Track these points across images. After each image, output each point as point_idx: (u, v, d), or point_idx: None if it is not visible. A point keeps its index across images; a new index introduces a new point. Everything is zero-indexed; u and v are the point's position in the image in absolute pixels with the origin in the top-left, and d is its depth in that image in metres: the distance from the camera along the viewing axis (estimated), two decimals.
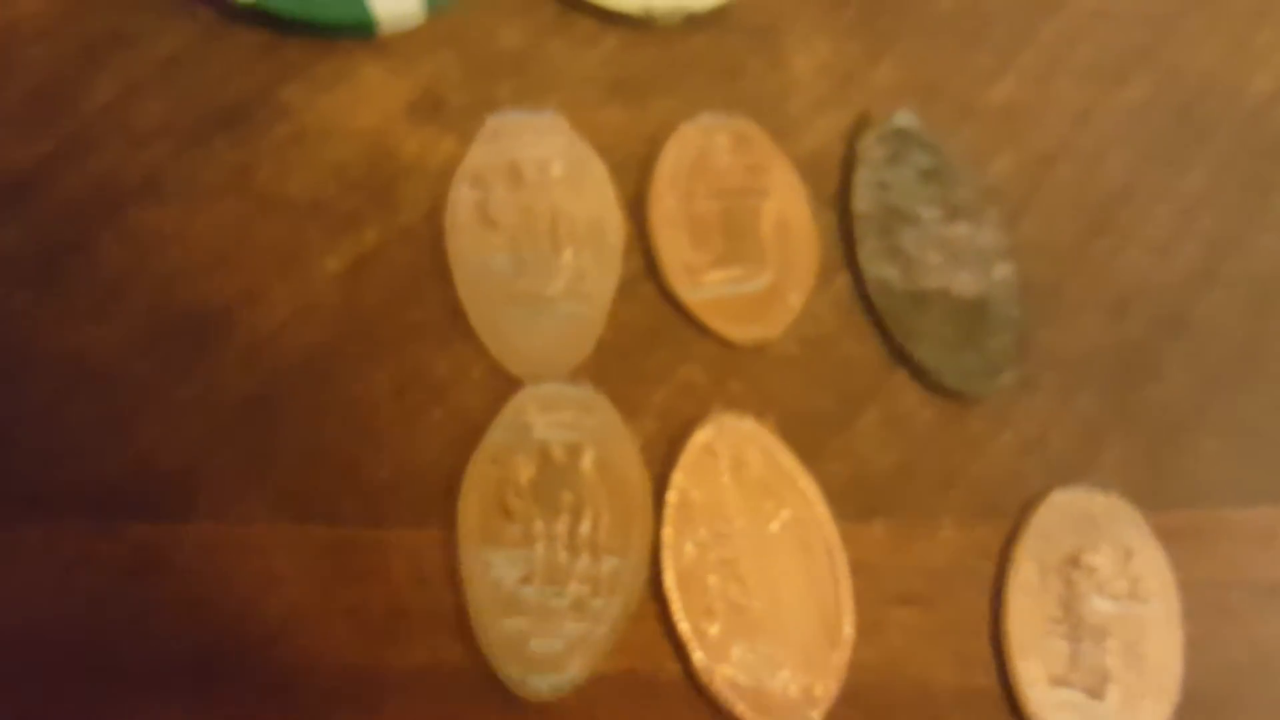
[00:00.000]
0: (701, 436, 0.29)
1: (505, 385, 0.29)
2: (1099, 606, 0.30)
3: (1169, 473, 0.31)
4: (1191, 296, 0.33)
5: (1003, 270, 0.32)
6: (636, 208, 0.32)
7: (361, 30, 0.32)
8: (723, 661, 0.27)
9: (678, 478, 0.29)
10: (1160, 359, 0.32)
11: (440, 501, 0.29)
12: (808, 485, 0.29)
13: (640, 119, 0.33)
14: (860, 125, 0.34)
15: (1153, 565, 0.30)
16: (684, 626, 0.28)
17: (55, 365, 0.29)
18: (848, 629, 0.28)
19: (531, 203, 0.31)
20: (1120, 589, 0.30)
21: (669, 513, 0.29)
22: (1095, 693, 0.28)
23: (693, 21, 0.34)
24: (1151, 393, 0.32)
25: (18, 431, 0.28)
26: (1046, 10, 0.36)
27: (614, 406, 0.29)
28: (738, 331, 0.31)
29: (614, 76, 0.33)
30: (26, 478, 0.28)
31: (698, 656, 0.28)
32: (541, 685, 0.27)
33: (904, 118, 0.33)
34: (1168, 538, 0.30)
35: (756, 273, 0.31)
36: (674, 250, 0.31)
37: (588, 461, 0.28)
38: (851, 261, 0.32)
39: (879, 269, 0.32)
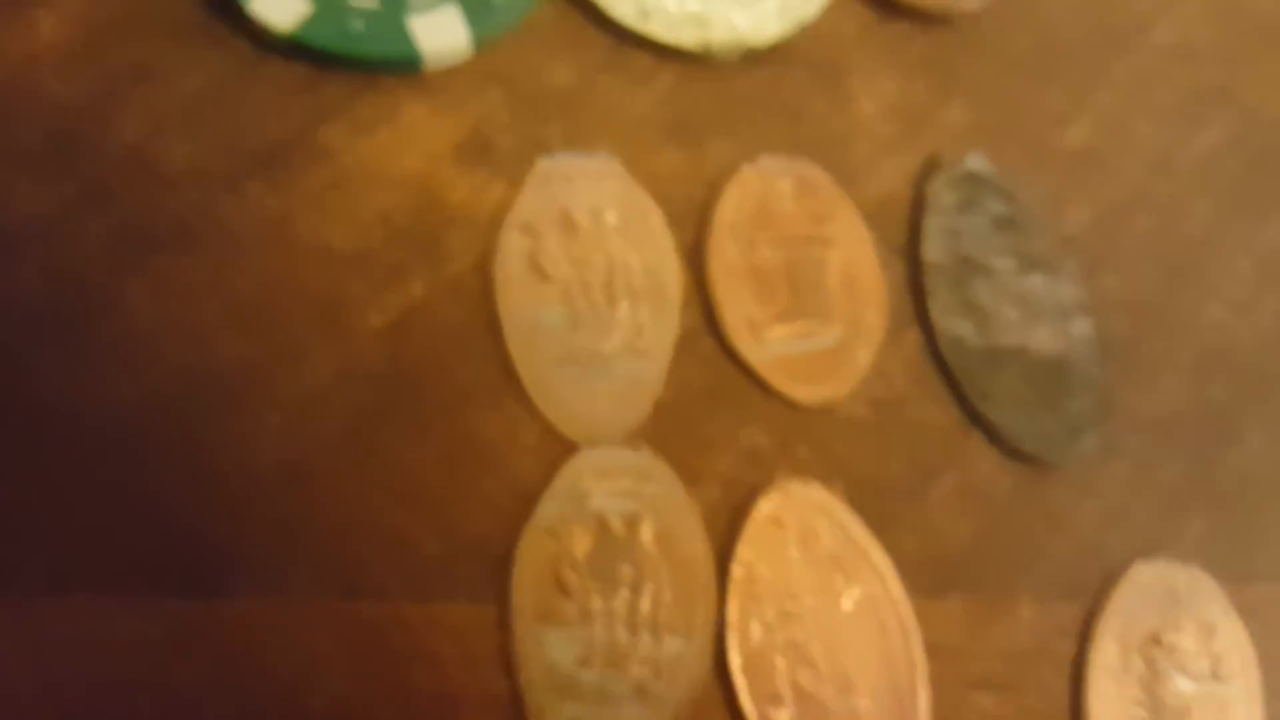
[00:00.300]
0: (767, 506, 0.28)
1: (559, 450, 0.28)
2: (1181, 687, 0.28)
3: (1252, 544, 0.30)
4: (1274, 356, 0.31)
5: (1081, 326, 0.30)
6: (695, 257, 0.30)
7: (406, 66, 0.30)
8: None
9: (743, 551, 0.27)
10: (1242, 423, 0.31)
11: (492, 576, 0.27)
12: (880, 559, 0.27)
13: (698, 162, 0.31)
14: (929, 169, 0.32)
15: (1234, 642, 0.29)
16: (751, 714, 0.26)
17: (77, 425, 0.27)
18: (924, 717, 0.26)
19: (585, 253, 0.29)
20: (1202, 668, 0.29)
21: (734, 588, 0.27)
22: None
23: (752, 58, 0.32)
24: (1233, 458, 0.31)
25: (39, 498, 0.26)
26: (1120, 47, 0.34)
27: (674, 473, 0.27)
28: (804, 392, 0.29)
29: (670, 116, 0.31)
30: (49, 549, 0.26)
31: None
32: None
33: (976, 161, 0.32)
34: (1249, 613, 0.29)
35: (823, 328, 0.29)
36: (736, 304, 0.29)
37: (647, 533, 0.27)
38: (922, 315, 0.30)
39: (952, 324, 0.30)
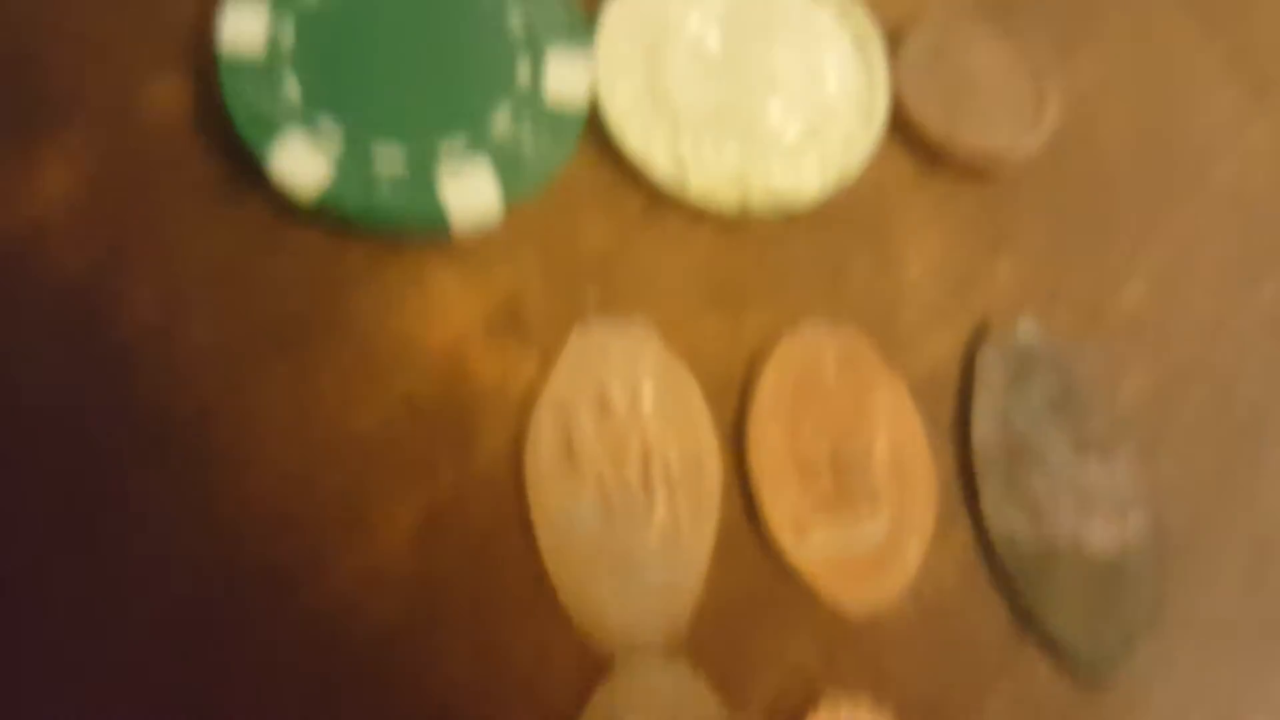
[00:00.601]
0: None
1: (594, 668, 0.26)
2: None
3: None
4: None
5: (1138, 519, 0.29)
6: (735, 437, 0.29)
7: (435, 231, 0.29)
8: None
9: None
10: None
11: None
12: None
13: (737, 330, 0.30)
14: (979, 337, 0.30)
15: None
16: None
17: (89, 637, 0.25)
18: None
19: (621, 437, 0.28)
20: None
21: None
22: None
23: (792, 217, 0.31)
24: None
25: (49, 705, 0.24)
26: (1175, 199, 0.33)
27: (715, 697, 0.25)
28: (851, 596, 0.28)
29: (708, 281, 0.30)
30: None
31: None
32: None
33: (1027, 331, 0.30)
34: None
35: (870, 519, 0.28)
36: (778, 495, 0.28)
37: None
38: (973, 505, 0.29)
39: (1005, 519, 0.28)
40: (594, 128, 0.31)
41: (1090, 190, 0.32)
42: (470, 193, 0.29)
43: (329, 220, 0.29)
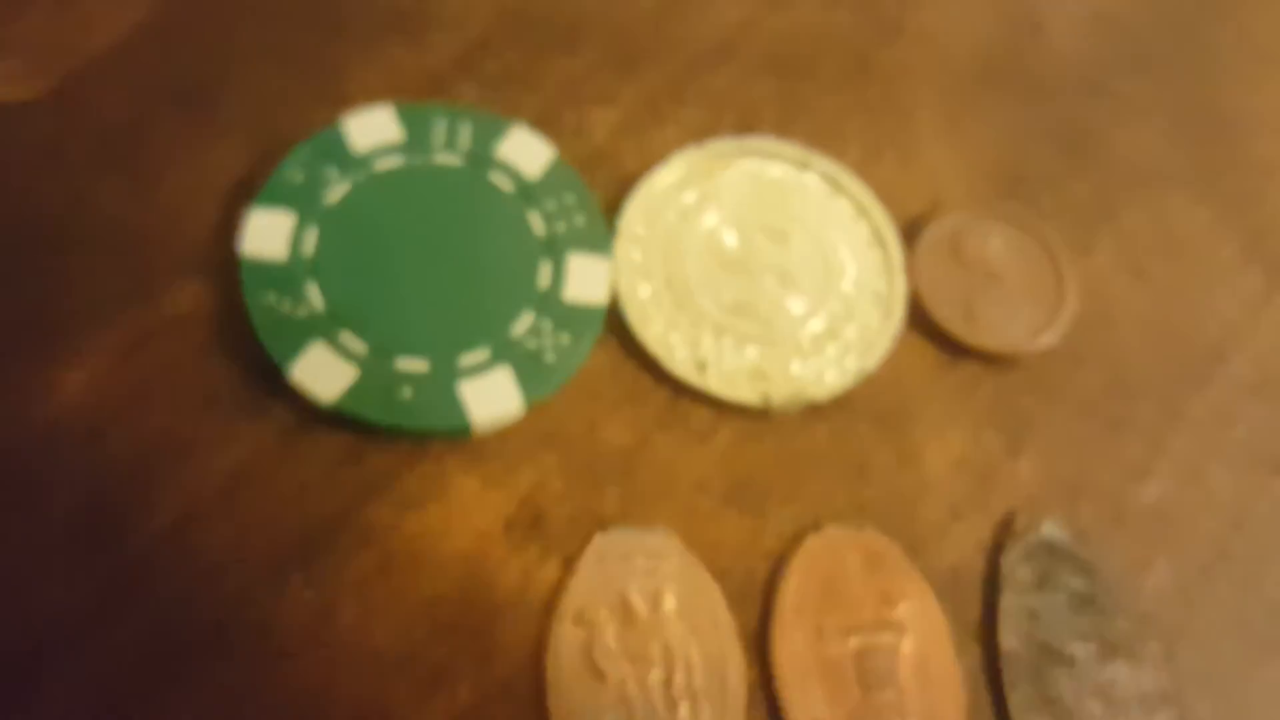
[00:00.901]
0: None
1: None
2: None
3: None
4: None
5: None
6: (759, 643, 0.28)
7: (456, 434, 0.28)
8: None
9: None
10: None
11: None
12: None
13: (759, 530, 0.29)
14: (1003, 534, 0.30)
15: None
16: None
17: None
18: None
19: (643, 646, 0.28)
20: None
21: None
22: None
23: (813, 411, 0.30)
24: None
25: None
26: (1195, 387, 0.33)
27: None
28: None
29: (730, 478, 0.30)
30: None
31: None
32: None
33: (1051, 529, 0.30)
34: None
35: None
36: (804, 705, 0.28)
37: None
38: (1000, 708, 0.28)
39: None
40: (615, 324, 0.30)
41: (1110, 379, 0.32)
42: (491, 397, 0.29)
43: (350, 425, 0.28)
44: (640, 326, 0.31)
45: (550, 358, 0.29)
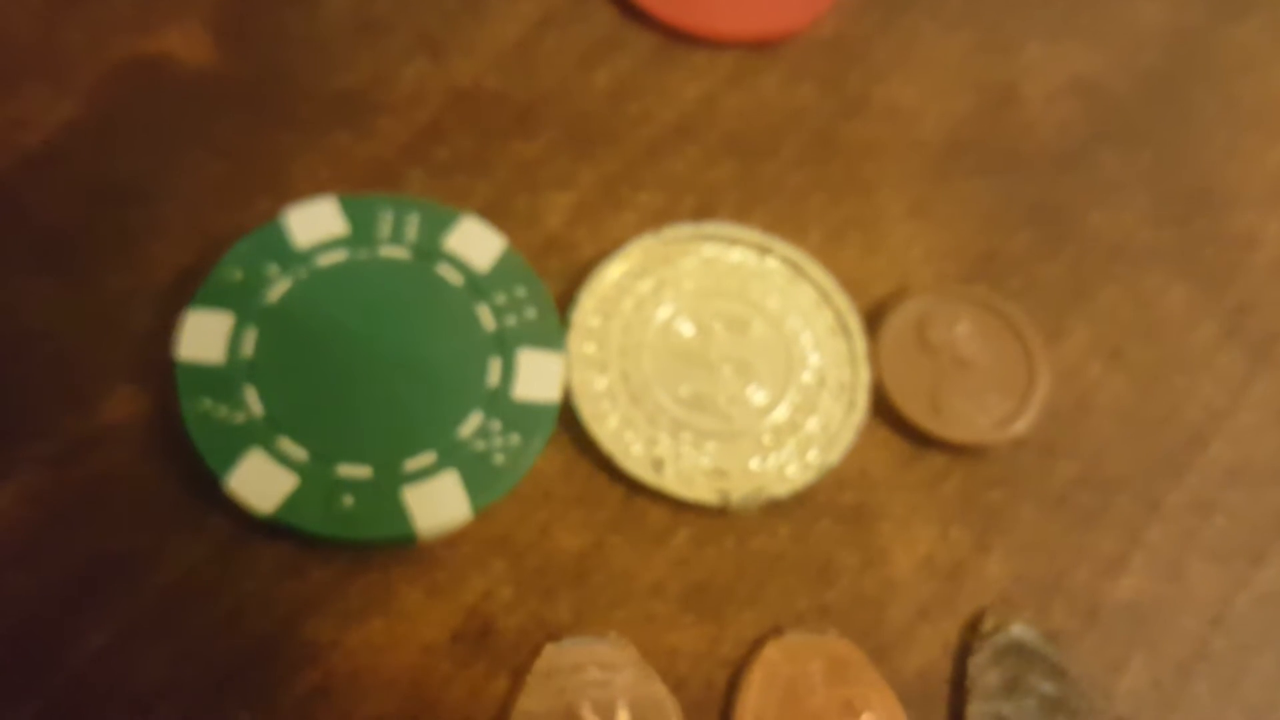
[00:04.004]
0: None
1: None
2: None
3: None
4: None
5: None
6: None
7: (400, 543, 0.27)
8: None
9: None
10: None
11: None
12: None
13: (718, 637, 0.28)
14: (970, 635, 0.29)
15: None
16: None
17: None
18: None
19: None
20: None
21: None
22: None
23: (774, 508, 0.29)
24: None
25: None
26: (1173, 472, 0.32)
27: None
28: None
29: (687, 582, 0.29)
30: None
31: None
32: None
33: (1021, 629, 0.28)
34: None
35: None
36: None
37: None
38: None
39: None
40: (568, 421, 0.30)
41: (1084, 469, 0.31)
42: (437, 503, 0.28)
43: (290, 535, 0.27)
44: (594, 423, 0.29)
45: (499, 459, 0.28)
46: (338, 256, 0.30)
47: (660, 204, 0.33)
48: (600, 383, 0.30)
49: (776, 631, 0.29)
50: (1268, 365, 0.33)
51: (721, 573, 0.29)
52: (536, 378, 0.29)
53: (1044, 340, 0.32)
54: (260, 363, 0.28)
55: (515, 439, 0.29)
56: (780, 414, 0.30)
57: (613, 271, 0.31)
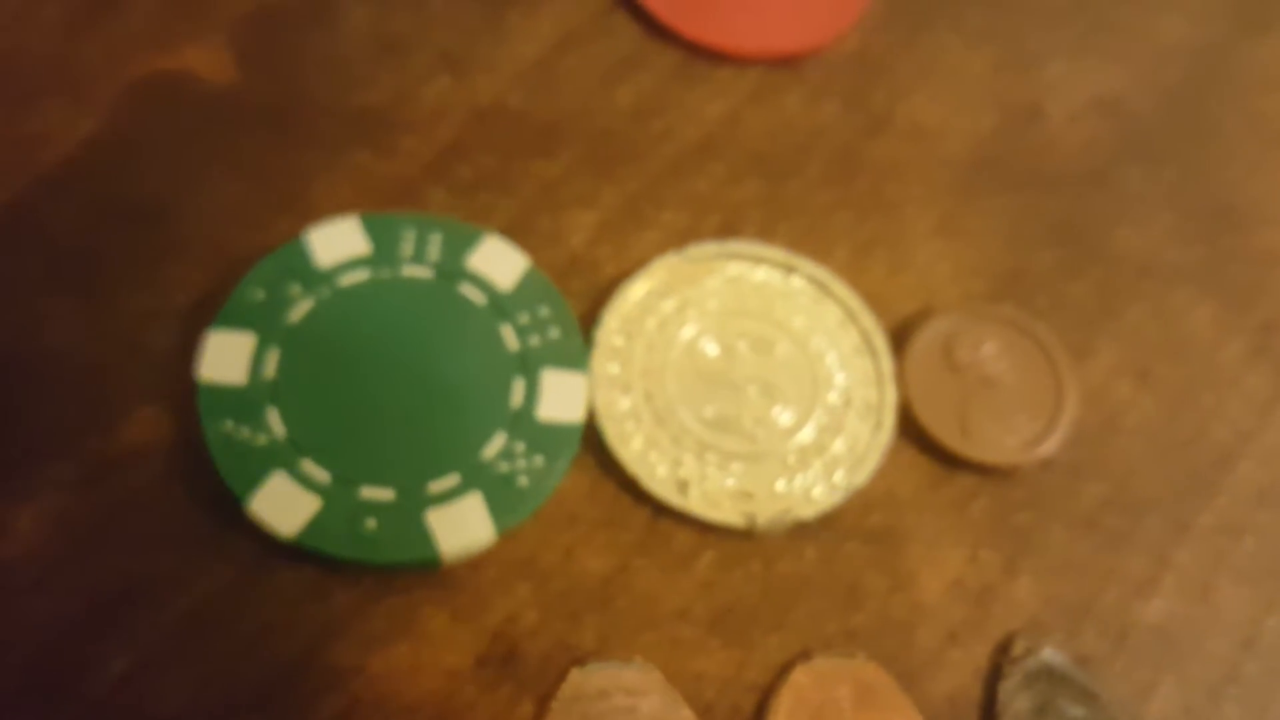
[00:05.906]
0: None
1: None
2: None
3: None
4: None
5: None
6: None
7: (424, 567, 0.27)
8: None
9: None
10: None
11: None
12: None
13: (745, 661, 0.28)
14: (1000, 659, 0.28)
15: None
16: None
17: None
18: None
19: None
20: None
21: None
22: None
23: (801, 531, 0.29)
24: None
25: None
26: (1202, 493, 0.31)
27: None
28: None
29: (713, 606, 0.28)
30: None
31: None
32: None
33: (1051, 654, 0.28)
34: None
35: None
36: None
37: None
38: None
39: None
40: (592, 442, 0.29)
41: (1113, 491, 0.31)
42: (461, 526, 0.28)
43: (313, 558, 0.27)
44: (618, 444, 0.29)
45: (523, 481, 0.28)
46: (360, 276, 0.30)
47: (684, 223, 0.32)
48: (624, 403, 0.30)
49: (804, 656, 0.29)
50: None
51: (748, 596, 0.29)
52: (560, 398, 0.29)
53: (1071, 360, 0.32)
54: (282, 384, 0.28)
55: (539, 460, 0.28)
56: (806, 435, 0.30)
57: (636, 291, 0.31)
